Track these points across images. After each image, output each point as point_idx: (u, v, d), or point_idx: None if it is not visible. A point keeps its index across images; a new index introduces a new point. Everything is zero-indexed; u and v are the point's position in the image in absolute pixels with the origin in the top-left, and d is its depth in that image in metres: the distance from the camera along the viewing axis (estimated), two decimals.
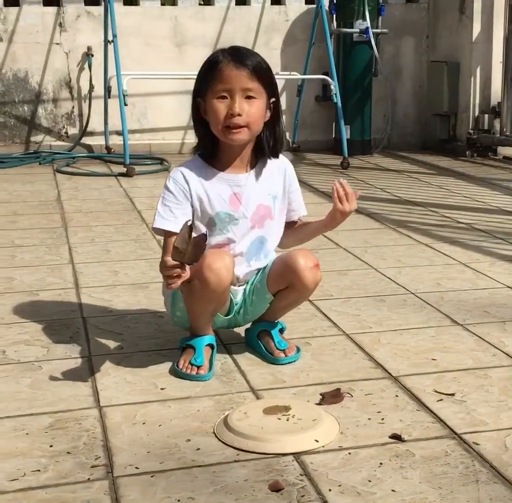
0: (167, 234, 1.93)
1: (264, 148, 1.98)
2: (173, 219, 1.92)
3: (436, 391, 1.87)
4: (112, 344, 2.18)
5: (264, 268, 2.05)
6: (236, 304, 2.05)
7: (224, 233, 1.98)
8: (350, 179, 4.92)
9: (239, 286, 2.05)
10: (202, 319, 2.00)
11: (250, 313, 2.08)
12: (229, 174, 1.98)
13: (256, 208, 2.00)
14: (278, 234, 2.08)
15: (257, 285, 2.04)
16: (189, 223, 1.70)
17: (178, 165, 2.02)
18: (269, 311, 2.09)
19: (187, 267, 1.74)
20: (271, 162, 2.02)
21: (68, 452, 1.59)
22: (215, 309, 1.99)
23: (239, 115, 1.87)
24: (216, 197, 1.96)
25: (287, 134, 6.06)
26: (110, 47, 5.11)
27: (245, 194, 1.98)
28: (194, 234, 1.71)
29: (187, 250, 1.69)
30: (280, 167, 2.05)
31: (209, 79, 1.89)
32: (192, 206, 1.96)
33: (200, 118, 1.95)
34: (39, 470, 1.52)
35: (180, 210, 1.93)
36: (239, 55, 1.89)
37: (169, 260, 1.72)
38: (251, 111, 1.89)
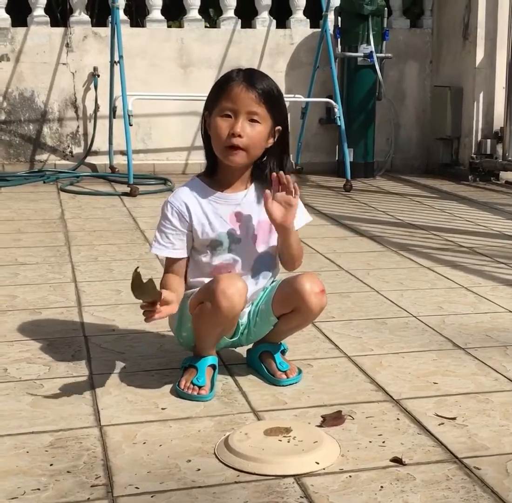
0: (166, 258, 1.99)
1: (264, 171, 1.97)
2: (170, 245, 1.97)
3: (438, 415, 1.86)
4: (113, 363, 2.18)
5: (269, 289, 2.05)
6: (242, 325, 2.06)
7: (228, 253, 1.98)
8: (353, 202, 4.94)
9: (245, 307, 2.05)
10: (208, 340, 2.00)
11: (253, 334, 2.08)
12: (228, 194, 1.99)
13: (257, 225, 2.00)
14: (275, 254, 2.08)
15: (262, 307, 2.04)
16: (138, 270, 1.75)
17: (177, 188, 2.04)
18: (272, 333, 2.09)
19: (158, 305, 1.79)
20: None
21: (68, 471, 1.58)
22: (223, 332, 1.99)
23: (239, 136, 1.88)
24: (216, 218, 1.97)
25: (291, 156, 6.09)
26: (116, 67, 5.15)
27: (245, 212, 1.99)
28: (143, 279, 1.75)
29: (145, 293, 1.76)
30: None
31: (218, 95, 1.91)
32: (192, 230, 1.97)
33: (205, 132, 1.97)
34: (39, 489, 1.52)
35: (177, 237, 1.96)
36: (251, 78, 1.90)
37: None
38: (252, 134, 1.89)
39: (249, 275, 2.01)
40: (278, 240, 2.01)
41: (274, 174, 1.92)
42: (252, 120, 1.89)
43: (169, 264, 2.00)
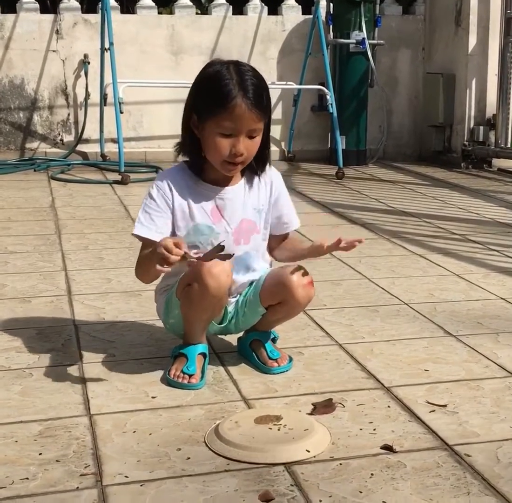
0: (145, 241, 1.90)
1: (252, 165, 1.96)
2: (154, 227, 1.89)
3: (428, 402, 1.86)
4: (103, 351, 2.17)
5: (258, 280, 2.03)
6: (229, 313, 2.05)
7: (206, 246, 1.93)
8: (345, 190, 4.93)
9: (232, 297, 2.04)
10: (197, 325, 1.99)
11: (242, 323, 2.08)
12: (215, 186, 1.96)
13: (239, 224, 1.98)
14: (265, 248, 2.06)
15: (250, 298, 2.03)
16: (222, 243, 1.74)
17: (164, 171, 2.01)
18: (262, 322, 2.08)
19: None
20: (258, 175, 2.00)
21: (57, 460, 1.58)
22: (212, 315, 1.98)
23: (241, 155, 1.86)
24: (197, 208, 1.94)
25: (283, 143, 6.07)
26: (107, 54, 5.11)
27: (229, 209, 1.96)
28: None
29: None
30: (266, 179, 2.02)
31: (217, 109, 1.81)
32: (173, 215, 1.93)
33: (191, 131, 1.90)
34: (27, 478, 1.51)
35: (161, 219, 1.91)
36: (254, 95, 1.81)
37: (169, 243, 1.68)
38: (252, 148, 1.87)
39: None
40: (298, 251, 2.02)
41: (357, 243, 1.88)
42: (252, 136, 1.86)
43: (146, 247, 1.90)
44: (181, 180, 1.95)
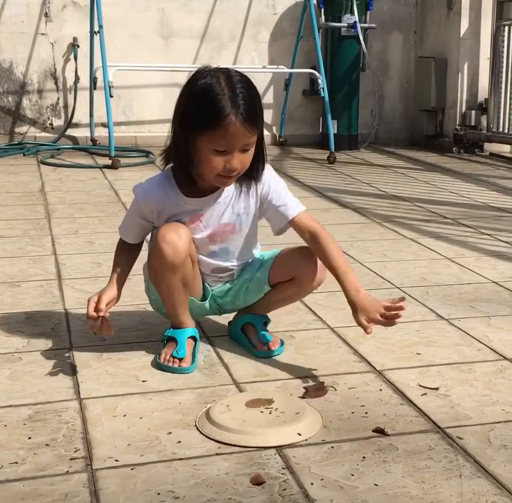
0: (122, 241, 2.01)
1: (245, 173, 1.91)
2: (128, 232, 2.00)
3: (420, 385, 1.85)
4: (93, 335, 2.15)
5: (268, 257, 2.04)
6: (212, 290, 2.04)
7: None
8: (337, 174, 4.91)
9: (224, 283, 2.04)
10: (172, 301, 1.96)
11: (242, 300, 2.06)
12: (197, 199, 1.93)
13: (216, 228, 1.96)
14: (248, 243, 2.03)
15: (257, 274, 2.03)
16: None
17: (146, 183, 1.96)
18: (262, 303, 2.07)
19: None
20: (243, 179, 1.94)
21: (46, 444, 1.56)
22: (183, 287, 1.94)
23: (235, 169, 1.83)
24: (175, 216, 1.93)
25: (274, 128, 6.04)
26: (96, 38, 5.07)
27: (207, 214, 1.95)
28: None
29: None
30: (258, 186, 1.95)
31: (210, 127, 1.77)
32: (150, 219, 1.96)
33: (180, 143, 1.83)
34: (16, 462, 1.49)
35: (137, 225, 1.98)
36: (247, 111, 1.77)
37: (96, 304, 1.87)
38: (246, 161, 1.85)
39: (210, 258, 2.00)
40: (331, 269, 1.90)
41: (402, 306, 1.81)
42: (246, 150, 1.83)
43: (123, 244, 2.02)
44: (163, 194, 1.92)
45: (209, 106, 1.77)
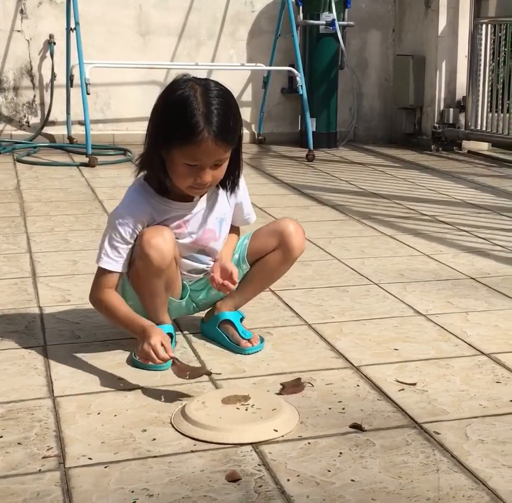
0: (110, 272, 1.89)
1: (218, 184, 1.93)
2: (120, 260, 1.88)
3: (398, 381, 1.84)
4: (68, 333, 2.12)
5: (242, 240, 2.07)
6: (189, 287, 2.03)
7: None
8: (315, 172, 4.90)
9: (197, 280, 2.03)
10: (154, 303, 1.95)
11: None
12: (179, 202, 1.92)
13: (201, 234, 1.97)
14: (222, 246, 2.05)
15: (234, 256, 2.04)
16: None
17: (125, 200, 1.90)
18: (239, 289, 2.06)
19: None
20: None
21: (19, 443, 1.53)
22: (165, 288, 1.93)
23: (207, 183, 1.84)
24: (162, 222, 1.91)
25: (253, 126, 6.02)
26: (73, 35, 5.02)
27: (192, 221, 1.95)
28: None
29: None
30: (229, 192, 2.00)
31: (183, 141, 1.75)
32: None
33: (156, 151, 1.82)
34: None
35: (126, 250, 1.88)
36: (221, 128, 1.76)
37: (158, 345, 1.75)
38: (219, 174, 1.85)
39: (187, 259, 2.00)
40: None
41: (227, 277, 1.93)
42: (218, 164, 1.83)
43: (112, 277, 1.89)
44: (144, 203, 1.89)
45: (183, 121, 1.75)
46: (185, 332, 2.14)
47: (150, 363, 1.88)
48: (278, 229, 2.04)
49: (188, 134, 1.75)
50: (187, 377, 1.76)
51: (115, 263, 1.88)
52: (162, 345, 1.76)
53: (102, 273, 1.90)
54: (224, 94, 1.80)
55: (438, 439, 1.57)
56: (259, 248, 2.05)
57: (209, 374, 1.81)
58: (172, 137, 1.78)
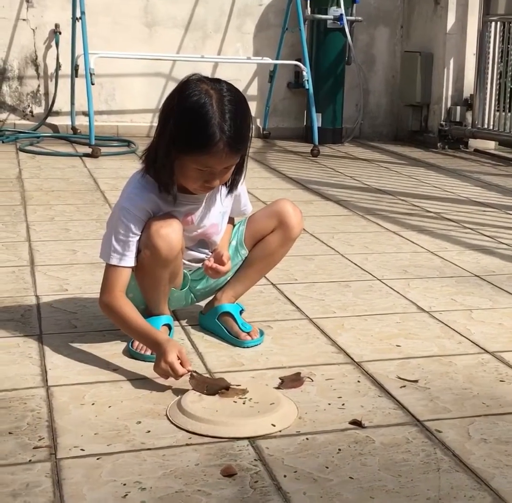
0: (121, 268, 1.82)
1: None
2: (131, 254, 1.82)
3: (399, 378, 1.81)
4: (65, 322, 2.09)
5: (237, 226, 2.06)
6: (190, 276, 1.99)
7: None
8: (320, 167, 4.86)
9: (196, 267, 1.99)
10: (156, 294, 1.92)
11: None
12: (185, 194, 1.88)
13: (207, 228, 1.95)
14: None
15: (232, 242, 2.02)
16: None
17: (128, 191, 1.85)
18: (238, 275, 2.03)
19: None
20: None
21: (10, 432, 1.50)
22: (169, 279, 1.90)
23: (215, 186, 1.83)
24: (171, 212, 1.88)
25: (258, 120, 5.98)
26: (78, 25, 4.98)
27: (198, 215, 1.92)
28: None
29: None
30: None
31: (197, 150, 1.72)
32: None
33: (165, 149, 1.77)
34: None
35: (136, 243, 1.83)
36: (236, 140, 1.73)
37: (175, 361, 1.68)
38: (227, 176, 1.83)
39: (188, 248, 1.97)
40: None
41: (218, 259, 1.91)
42: (227, 168, 1.80)
43: (124, 274, 1.83)
44: (152, 196, 1.84)
45: (198, 130, 1.71)
46: (184, 324, 2.10)
47: (148, 353, 1.85)
48: (276, 210, 2.02)
49: (203, 145, 1.72)
50: (206, 392, 1.66)
51: (126, 257, 1.82)
52: (178, 358, 1.69)
53: (112, 271, 1.82)
54: (238, 100, 1.76)
55: (439, 438, 1.53)
56: (257, 230, 2.03)
57: (228, 388, 1.67)
58: (186, 145, 1.74)
